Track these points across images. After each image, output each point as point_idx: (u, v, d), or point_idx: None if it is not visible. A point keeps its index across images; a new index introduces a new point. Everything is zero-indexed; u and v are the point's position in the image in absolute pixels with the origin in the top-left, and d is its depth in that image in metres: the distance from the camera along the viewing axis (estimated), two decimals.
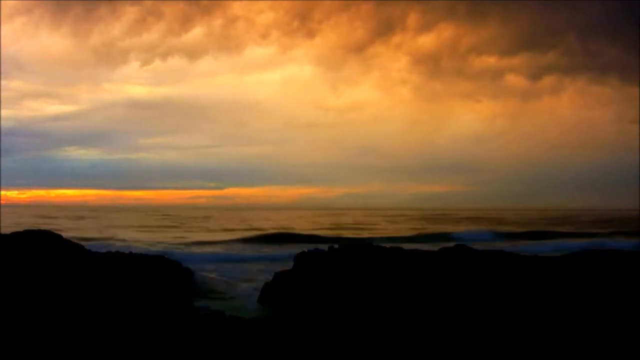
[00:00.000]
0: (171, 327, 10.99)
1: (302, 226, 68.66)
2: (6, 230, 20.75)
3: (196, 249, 37.20)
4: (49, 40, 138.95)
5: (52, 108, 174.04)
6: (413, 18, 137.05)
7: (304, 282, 16.77)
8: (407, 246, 18.41)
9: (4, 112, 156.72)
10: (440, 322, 11.93)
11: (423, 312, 12.96)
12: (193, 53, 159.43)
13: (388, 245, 18.33)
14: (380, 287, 14.95)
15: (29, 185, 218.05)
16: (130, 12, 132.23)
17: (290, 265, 18.45)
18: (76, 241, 19.92)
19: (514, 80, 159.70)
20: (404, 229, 63.37)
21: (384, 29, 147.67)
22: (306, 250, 18.53)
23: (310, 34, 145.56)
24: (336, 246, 18.07)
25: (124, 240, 38.11)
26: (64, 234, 19.96)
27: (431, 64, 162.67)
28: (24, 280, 15.04)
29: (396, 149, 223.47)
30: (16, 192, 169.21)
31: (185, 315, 12.92)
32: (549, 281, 14.26)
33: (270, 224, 73.13)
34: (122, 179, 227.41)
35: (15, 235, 18.46)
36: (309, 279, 16.72)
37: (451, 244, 18.08)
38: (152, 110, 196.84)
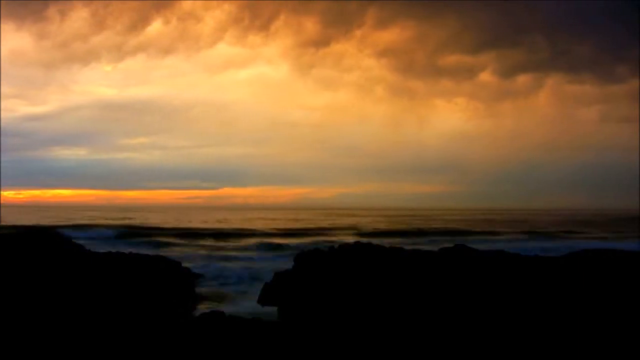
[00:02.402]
0: (171, 327, 10.99)
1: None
2: None
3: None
4: (12, 41, 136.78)
5: (24, 109, 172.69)
6: (374, 15, 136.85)
7: (304, 282, 16.75)
8: None
9: None
10: (440, 322, 11.93)
11: (423, 312, 12.96)
12: (160, 52, 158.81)
13: None
14: (380, 287, 14.93)
15: (22, 186, 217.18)
16: (94, 11, 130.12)
17: None
18: None
19: (487, 78, 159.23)
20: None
21: (348, 26, 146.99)
22: (305, 250, 18.55)
23: (274, 32, 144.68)
24: (336, 246, 18.08)
25: None
26: None
27: (402, 62, 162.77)
28: (24, 280, 15.04)
29: (377, 149, 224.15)
30: (13, 192, 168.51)
31: (185, 315, 12.92)
32: (549, 281, 14.25)
33: None
34: (116, 179, 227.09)
35: (15, 235, 18.47)
36: (309, 279, 16.70)
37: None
38: (126, 110, 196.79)
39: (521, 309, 12.46)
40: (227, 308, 15.61)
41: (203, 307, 17.71)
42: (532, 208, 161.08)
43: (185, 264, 21.29)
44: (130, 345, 9.74)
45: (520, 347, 10.18)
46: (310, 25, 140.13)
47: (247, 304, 18.35)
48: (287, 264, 19.02)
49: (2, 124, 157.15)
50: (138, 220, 75.71)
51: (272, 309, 16.74)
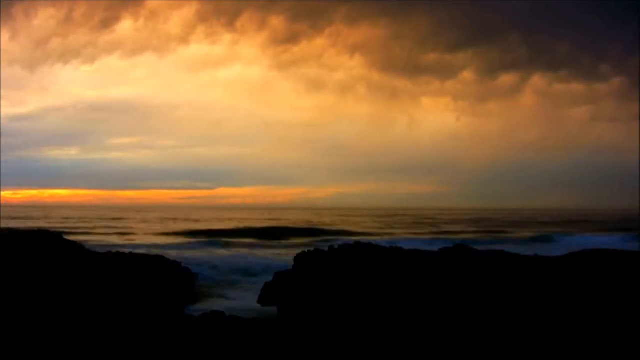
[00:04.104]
0: (171, 327, 11.00)
1: None
2: None
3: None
4: None
5: (5, 110, 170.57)
6: (349, 12, 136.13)
7: (304, 282, 16.77)
8: None
9: None
10: (440, 323, 11.94)
11: (423, 313, 12.96)
12: (134, 51, 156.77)
13: None
14: (380, 287, 14.95)
15: (18, 186, 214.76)
16: (58, 11, 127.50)
17: None
18: None
19: (469, 78, 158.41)
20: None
21: (322, 23, 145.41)
22: (306, 250, 18.58)
23: (252, 30, 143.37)
24: (336, 246, 18.11)
25: None
26: None
27: (382, 61, 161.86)
28: (24, 280, 15.05)
29: (360, 148, 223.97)
30: (11, 192, 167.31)
31: (185, 316, 12.93)
32: (549, 281, 14.26)
33: None
34: (111, 179, 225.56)
35: (15, 235, 18.49)
36: (309, 279, 16.72)
37: None
38: (108, 110, 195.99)
39: (521, 309, 12.47)
40: (227, 308, 15.60)
41: (203, 307, 17.70)
42: (520, 208, 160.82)
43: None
44: (130, 346, 9.75)
45: (521, 347, 10.19)
46: (285, 24, 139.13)
47: (246, 304, 18.35)
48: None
49: None
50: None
51: (272, 309, 16.75)
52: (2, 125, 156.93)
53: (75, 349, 9.53)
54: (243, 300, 19.37)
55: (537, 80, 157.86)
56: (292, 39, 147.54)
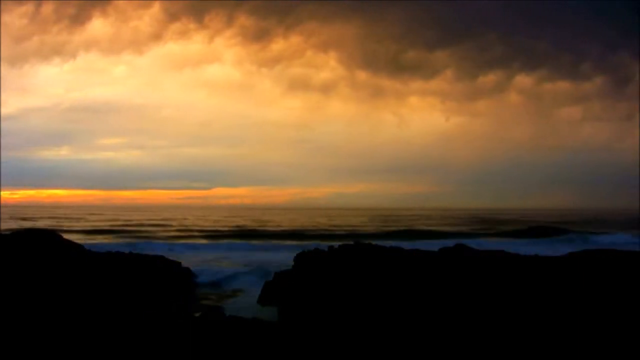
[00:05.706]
0: (171, 327, 11.00)
1: None
2: None
3: None
4: None
5: None
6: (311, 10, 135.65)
7: (304, 282, 16.77)
8: None
9: None
10: (440, 323, 11.94)
11: (423, 313, 12.96)
12: (113, 51, 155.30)
13: None
14: (380, 287, 14.95)
15: (14, 186, 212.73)
16: (27, 10, 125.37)
17: None
18: None
19: (452, 76, 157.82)
20: None
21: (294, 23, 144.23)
22: (305, 250, 18.61)
23: (231, 29, 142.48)
24: (336, 246, 18.12)
25: None
26: None
27: (362, 58, 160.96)
28: (24, 280, 15.04)
29: (345, 148, 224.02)
30: (8, 192, 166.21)
31: (185, 315, 12.93)
32: (549, 281, 14.26)
33: None
34: (106, 179, 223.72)
35: (16, 235, 18.49)
36: (309, 279, 16.72)
37: None
38: (90, 111, 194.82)
39: (521, 309, 12.47)
40: (227, 307, 15.61)
41: (203, 306, 17.72)
42: (513, 208, 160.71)
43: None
44: (129, 346, 9.75)
45: (520, 347, 10.20)
46: (252, 21, 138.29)
47: (246, 304, 18.37)
48: None
49: None
50: None
51: (272, 309, 16.76)
52: None
53: (75, 349, 9.53)
54: (243, 300, 19.37)
55: (521, 79, 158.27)
56: (263, 36, 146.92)
